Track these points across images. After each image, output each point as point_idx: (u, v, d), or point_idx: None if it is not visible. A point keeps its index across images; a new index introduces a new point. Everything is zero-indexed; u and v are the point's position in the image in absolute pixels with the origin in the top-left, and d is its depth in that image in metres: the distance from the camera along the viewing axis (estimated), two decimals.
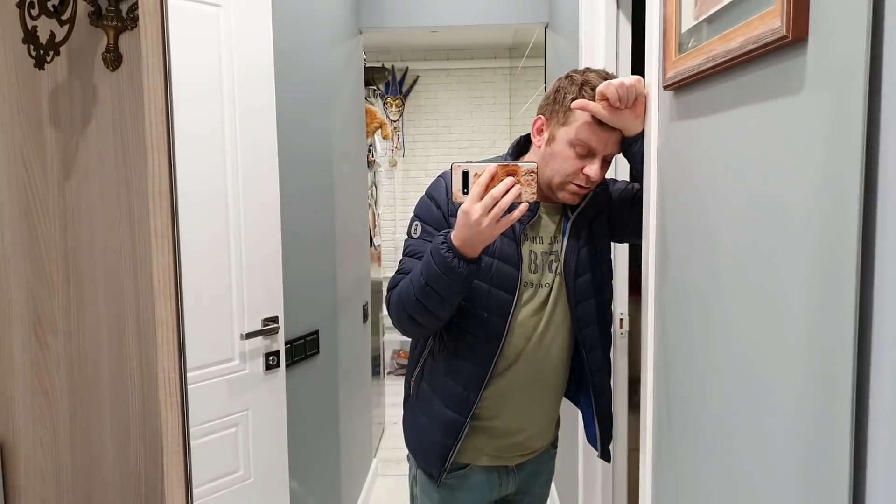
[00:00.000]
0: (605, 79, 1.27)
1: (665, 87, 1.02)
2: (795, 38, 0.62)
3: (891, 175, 0.50)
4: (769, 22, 0.66)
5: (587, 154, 1.28)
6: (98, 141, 0.91)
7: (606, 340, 1.48)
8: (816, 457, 0.59)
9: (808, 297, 0.60)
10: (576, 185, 1.30)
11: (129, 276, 0.91)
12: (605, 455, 1.56)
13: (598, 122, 1.25)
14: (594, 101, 1.24)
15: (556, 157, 1.31)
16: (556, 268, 1.39)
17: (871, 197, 0.52)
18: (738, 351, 0.77)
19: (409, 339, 1.52)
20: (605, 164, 1.32)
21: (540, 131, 1.36)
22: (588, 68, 1.36)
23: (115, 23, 0.90)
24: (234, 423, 1.68)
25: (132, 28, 0.89)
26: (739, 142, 0.77)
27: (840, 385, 0.54)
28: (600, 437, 1.52)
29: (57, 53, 0.85)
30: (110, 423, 0.94)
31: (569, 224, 1.38)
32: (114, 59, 0.88)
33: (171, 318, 0.78)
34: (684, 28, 0.93)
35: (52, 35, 0.85)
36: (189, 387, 1.53)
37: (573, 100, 1.27)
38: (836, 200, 0.55)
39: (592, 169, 1.27)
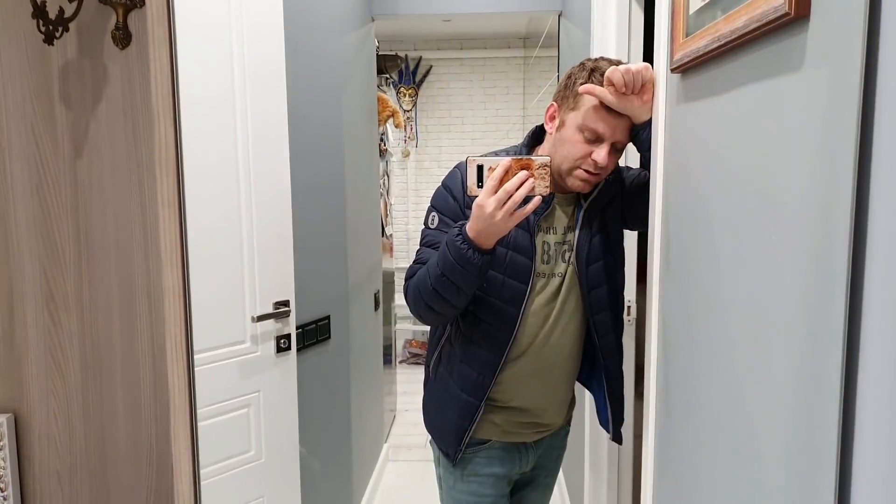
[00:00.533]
0: (615, 65, 1.28)
1: (672, 71, 1.02)
2: (798, 15, 0.62)
3: (885, 152, 0.50)
4: (772, 0, 0.66)
5: (595, 139, 1.29)
6: (109, 119, 0.93)
7: (619, 326, 1.50)
8: (807, 439, 0.59)
9: (803, 275, 0.61)
10: (584, 170, 1.31)
11: (140, 251, 0.93)
12: (618, 437, 1.58)
13: (606, 107, 1.25)
14: (601, 80, 1.25)
15: (565, 142, 1.32)
16: (569, 257, 1.41)
17: (865, 174, 0.52)
18: (733, 334, 0.77)
19: (422, 329, 1.56)
20: (616, 152, 1.32)
21: (552, 118, 1.38)
22: (602, 57, 1.36)
23: (124, 0, 0.91)
24: (246, 404, 1.71)
25: (141, 6, 0.90)
26: (741, 122, 0.77)
27: (830, 370, 0.55)
28: (612, 419, 1.55)
29: (66, 29, 0.87)
30: (122, 396, 0.96)
31: (581, 213, 1.40)
32: (123, 37, 0.89)
33: (178, 285, 0.79)
34: (692, 10, 0.93)
35: (62, 10, 0.87)
36: (201, 367, 1.57)
37: (582, 84, 1.28)
38: (830, 178, 0.56)
39: (600, 154, 1.28)
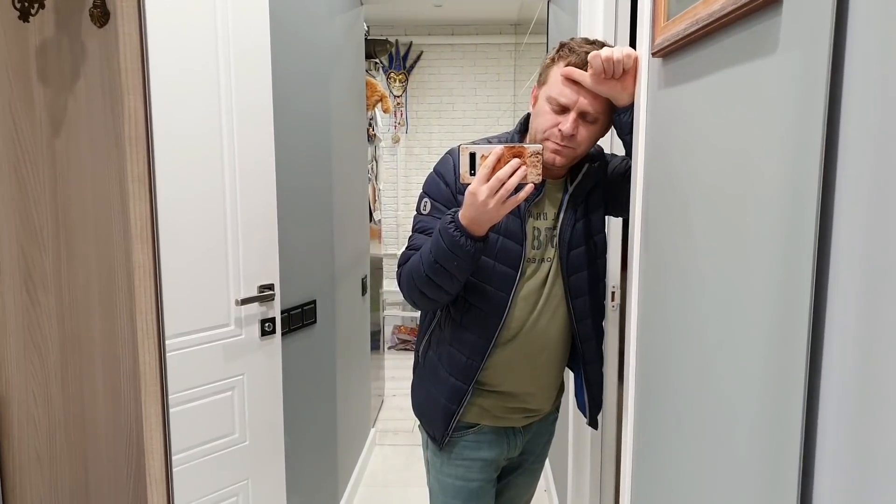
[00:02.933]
0: (591, 44, 1.31)
1: (653, 55, 1.02)
2: None
3: (851, 130, 0.50)
4: None
5: (561, 110, 1.30)
6: (87, 97, 0.92)
7: (598, 311, 1.51)
8: (774, 417, 0.60)
9: (773, 256, 0.61)
10: (553, 142, 1.31)
11: (119, 230, 0.92)
12: (594, 423, 1.60)
13: (570, 78, 1.27)
14: (569, 55, 1.28)
15: (537, 116, 1.35)
16: (557, 242, 1.41)
17: (832, 154, 0.52)
18: (706, 316, 0.78)
19: (411, 315, 1.57)
20: (587, 123, 1.31)
21: (534, 99, 1.39)
22: (582, 38, 1.37)
23: None
24: (230, 387, 1.71)
25: None
26: (718, 105, 0.77)
27: (796, 349, 0.55)
28: (589, 404, 1.56)
29: (42, 6, 0.86)
30: (102, 376, 0.96)
31: (567, 198, 1.40)
32: (101, 14, 0.88)
33: (149, 261, 0.79)
34: None
35: None
36: (185, 350, 1.57)
37: (552, 59, 1.32)
38: (801, 158, 0.56)
39: (565, 125, 1.29)
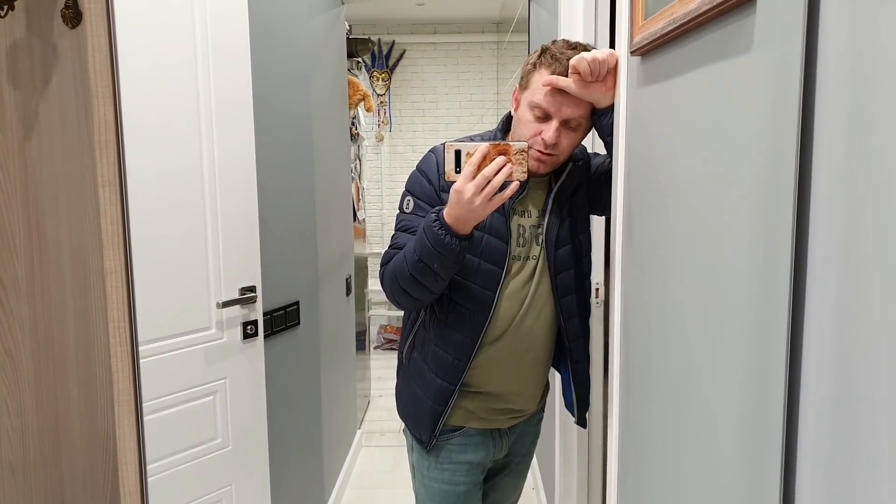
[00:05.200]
0: (572, 48, 1.28)
1: (632, 53, 1.02)
2: None
3: (825, 126, 0.50)
4: None
5: (544, 117, 1.29)
6: (59, 100, 0.90)
7: (584, 309, 1.51)
8: (755, 413, 0.60)
9: (751, 251, 0.62)
10: (536, 150, 1.30)
11: (93, 235, 0.91)
12: (582, 421, 1.60)
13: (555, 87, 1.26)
14: (553, 63, 1.26)
15: (520, 122, 1.33)
16: (542, 240, 1.41)
17: (807, 149, 0.52)
18: (686, 312, 0.78)
19: (396, 314, 1.55)
20: (570, 130, 1.31)
21: (515, 102, 1.38)
22: (563, 39, 1.36)
23: None
24: (212, 391, 1.69)
25: None
26: (696, 103, 0.77)
27: (776, 342, 0.55)
28: (577, 403, 1.56)
29: (11, 8, 0.84)
30: (77, 384, 0.94)
31: (551, 197, 1.40)
32: (73, 16, 0.87)
33: (121, 267, 0.78)
34: None
35: None
36: (165, 354, 1.55)
37: (534, 64, 1.30)
38: (776, 154, 0.56)
39: (548, 133, 1.28)
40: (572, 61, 1.21)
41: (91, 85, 0.76)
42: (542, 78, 1.27)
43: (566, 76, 1.24)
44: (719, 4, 0.66)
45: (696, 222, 0.77)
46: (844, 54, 0.48)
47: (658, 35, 0.86)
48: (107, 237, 0.79)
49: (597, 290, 1.96)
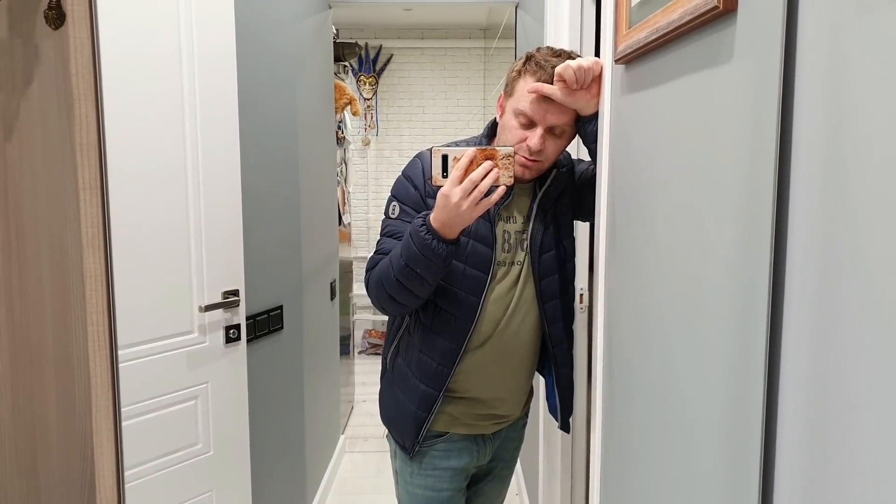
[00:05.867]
0: (557, 55, 1.30)
1: (616, 62, 1.03)
2: (726, 9, 0.63)
3: (803, 135, 0.51)
4: None
5: (529, 124, 1.30)
6: (41, 101, 0.89)
7: (568, 315, 1.52)
8: (734, 418, 0.61)
9: (732, 259, 0.62)
10: (522, 156, 1.31)
11: (74, 238, 0.90)
12: (565, 426, 1.60)
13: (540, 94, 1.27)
14: (538, 70, 1.27)
15: (505, 128, 1.34)
16: (527, 246, 1.41)
17: (786, 158, 0.53)
18: (669, 317, 0.79)
19: (381, 319, 1.55)
20: (554, 137, 1.32)
21: (500, 108, 1.39)
22: (548, 47, 1.37)
23: None
24: (194, 396, 1.67)
25: None
26: (678, 112, 0.78)
27: (755, 350, 0.56)
28: (560, 408, 1.56)
29: None
30: (55, 389, 0.93)
31: (536, 203, 1.41)
32: (56, 17, 0.86)
33: (100, 270, 0.77)
34: (634, 2, 0.94)
35: None
36: (146, 358, 1.53)
37: (519, 72, 1.31)
38: (755, 162, 0.57)
39: (533, 140, 1.29)
40: (558, 69, 1.21)
41: (73, 87, 0.75)
42: (527, 85, 1.28)
43: (551, 83, 1.24)
44: (701, 15, 0.67)
45: (677, 229, 0.77)
46: (822, 65, 0.49)
47: (642, 44, 0.87)
48: (87, 240, 0.78)
49: (581, 295, 1.97)
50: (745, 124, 0.60)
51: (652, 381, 0.86)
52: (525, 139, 1.30)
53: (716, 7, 0.63)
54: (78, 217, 0.84)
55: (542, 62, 1.28)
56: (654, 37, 0.82)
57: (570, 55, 1.30)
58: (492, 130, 1.44)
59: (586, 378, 2.02)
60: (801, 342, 0.52)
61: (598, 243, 1.16)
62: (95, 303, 0.80)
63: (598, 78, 1.21)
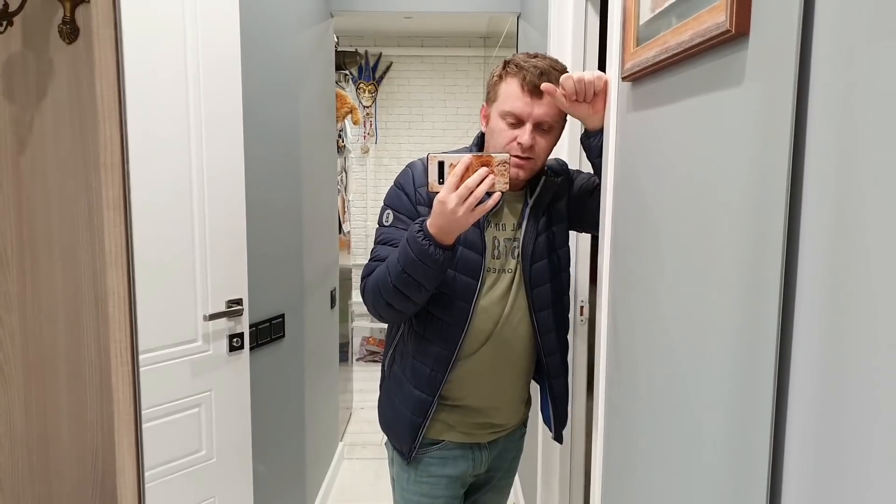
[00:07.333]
0: (533, 56, 1.35)
1: (623, 79, 1.05)
2: (738, 32, 0.64)
3: (815, 160, 0.53)
4: (715, 16, 0.68)
5: (517, 123, 1.33)
6: (54, 114, 0.90)
7: (561, 325, 1.53)
8: (741, 439, 0.62)
9: (739, 278, 0.63)
10: (514, 156, 1.34)
11: (86, 250, 0.91)
12: (559, 437, 1.61)
13: (521, 90, 1.31)
14: (518, 71, 1.32)
15: (493, 133, 1.37)
16: (518, 254, 1.43)
17: (798, 184, 0.54)
18: (674, 333, 0.80)
19: (379, 326, 1.56)
20: (543, 133, 1.35)
21: (484, 117, 1.42)
22: (526, 53, 1.41)
23: None
24: (197, 404, 1.68)
25: (89, 0, 0.88)
26: (686, 132, 0.79)
27: (763, 366, 0.57)
28: (554, 419, 1.57)
29: (10, 24, 0.84)
30: (66, 397, 0.94)
31: (527, 211, 1.42)
32: (70, 31, 0.87)
33: (123, 288, 0.78)
34: (642, 20, 0.96)
35: (6, 5, 0.84)
36: (151, 366, 1.54)
37: (499, 76, 1.36)
38: (766, 187, 0.58)
39: (524, 137, 1.32)
40: (561, 79, 1.25)
41: (98, 109, 0.76)
42: (510, 87, 1.32)
43: (534, 82, 1.29)
44: (712, 38, 0.68)
45: (683, 247, 0.78)
46: (835, 91, 0.50)
47: (650, 63, 0.88)
48: (110, 258, 0.79)
49: (581, 307, 1.98)
50: (755, 147, 0.61)
51: (657, 398, 0.87)
52: (515, 138, 1.33)
53: (727, 31, 0.65)
54: (96, 232, 0.85)
55: (522, 63, 1.33)
56: (662, 56, 0.83)
57: (546, 57, 1.35)
58: (479, 143, 1.47)
59: (586, 391, 2.03)
60: (808, 358, 0.53)
61: (603, 257, 1.17)
62: (118, 320, 0.81)
63: (603, 93, 1.23)
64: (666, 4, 0.84)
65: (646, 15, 0.93)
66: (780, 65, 0.56)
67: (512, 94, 1.32)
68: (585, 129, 1.32)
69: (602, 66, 1.27)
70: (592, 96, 1.24)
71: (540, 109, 1.31)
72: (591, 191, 1.45)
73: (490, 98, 1.40)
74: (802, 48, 0.54)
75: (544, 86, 1.29)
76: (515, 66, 1.33)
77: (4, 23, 0.82)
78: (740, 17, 0.64)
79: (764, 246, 0.58)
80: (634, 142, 1.03)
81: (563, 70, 1.34)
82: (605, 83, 1.22)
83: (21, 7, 0.83)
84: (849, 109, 0.48)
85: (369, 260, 1.39)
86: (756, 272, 0.60)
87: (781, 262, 0.55)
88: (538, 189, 1.43)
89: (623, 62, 1.03)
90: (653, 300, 0.90)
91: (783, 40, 0.56)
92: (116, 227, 0.77)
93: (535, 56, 1.36)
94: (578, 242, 1.98)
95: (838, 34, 0.50)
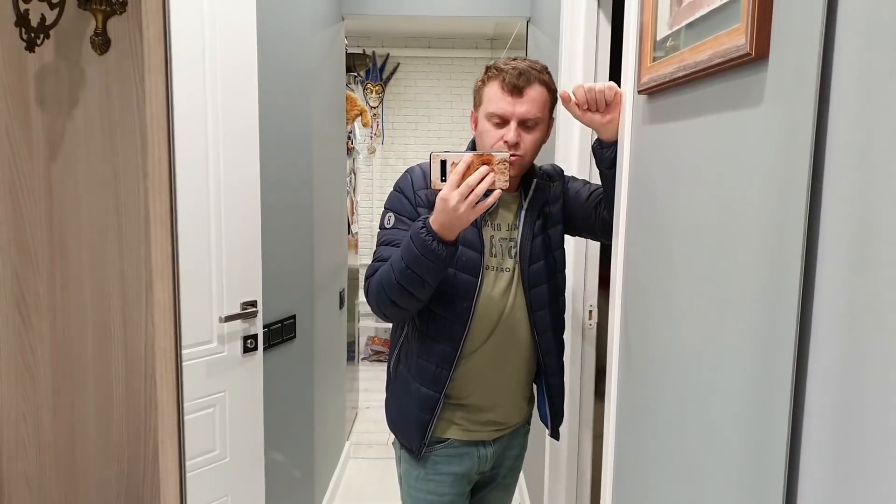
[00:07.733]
0: (514, 59, 1.41)
1: (639, 92, 1.06)
2: (758, 55, 0.66)
3: (835, 183, 0.54)
4: (735, 38, 0.70)
5: (503, 122, 1.38)
6: (85, 124, 0.93)
7: (557, 324, 1.57)
8: (757, 446, 0.64)
9: (754, 293, 0.65)
10: None
11: (114, 256, 0.93)
12: (556, 434, 1.65)
13: (502, 91, 1.36)
14: (499, 74, 1.37)
15: (481, 135, 1.42)
16: (515, 254, 1.48)
17: (816, 206, 0.56)
18: (689, 342, 0.82)
19: (384, 326, 1.59)
20: (528, 129, 1.39)
21: (474, 122, 1.48)
22: (511, 58, 1.46)
23: (103, 7, 0.91)
24: (212, 404, 1.70)
25: (121, 13, 0.90)
26: (702, 148, 0.81)
27: (779, 379, 0.59)
28: (551, 416, 1.60)
29: (47, 37, 0.86)
30: (93, 400, 0.96)
31: (523, 213, 1.46)
32: (102, 43, 0.89)
33: (169, 300, 0.80)
34: (659, 36, 0.97)
35: (43, 18, 0.87)
36: None
37: (483, 80, 1.42)
38: (784, 207, 0.60)
39: (509, 134, 1.37)
40: (573, 88, 1.30)
41: (147, 130, 0.79)
42: (492, 90, 1.38)
43: (514, 82, 1.35)
44: (731, 59, 0.70)
45: (699, 260, 0.80)
46: (855, 117, 0.52)
47: (667, 79, 0.90)
48: (156, 271, 0.81)
49: (590, 311, 2.00)
50: (773, 167, 0.63)
51: (671, 397, 0.89)
52: (501, 136, 1.37)
53: (747, 54, 0.67)
54: (120, 238, 0.88)
55: (501, 66, 1.39)
56: (680, 73, 0.85)
57: (526, 59, 1.41)
58: (472, 147, 1.51)
59: (593, 394, 2.05)
60: (827, 375, 0.55)
61: (616, 266, 1.19)
62: (164, 332, 0.83)
63: (616, 104, 1.25)
64: (684, 22, 0.86)
65: (663, 31, 0.95)
66: (800, 89, 0.58)
67: (494, 96, 1.38)
68: (598, 139, 1.35)
69: (612, 75, 1.30)
70: (605, 106, 1.27)
71: (522, 107, 1.36)
72: (588, 198, 1.50)
73: (476, 103, 1.46)
74: (823, 73, 0.56)
75: (561, 92, 1.34)
76: (496, 69, 1.40)
77: (42, 35, 0.84)
78: (760, 41, 0.66)
79: (782, 264, 0.60)
80: (650, 153, 1.05)
81: (542, 69, 1.40)
82: (617, 94, 1.25)
83: (58, 20, 0.85)
84: (869, 134, 0.50)
85: (372, 261, 1.43)
86: (774, 289, 0.62)
87: (799, 281, 0.57)
88: (531, 191, 1.48)
89: (639, 76, 1.05)
90: (667, 310, 0.92)
91: (804, 64, 0.58)
92: (163, 240, 0.79)
93: (515, 59, 1.42)
94: (588, 248, 2.00)
95: (859, 60, 0.52)
